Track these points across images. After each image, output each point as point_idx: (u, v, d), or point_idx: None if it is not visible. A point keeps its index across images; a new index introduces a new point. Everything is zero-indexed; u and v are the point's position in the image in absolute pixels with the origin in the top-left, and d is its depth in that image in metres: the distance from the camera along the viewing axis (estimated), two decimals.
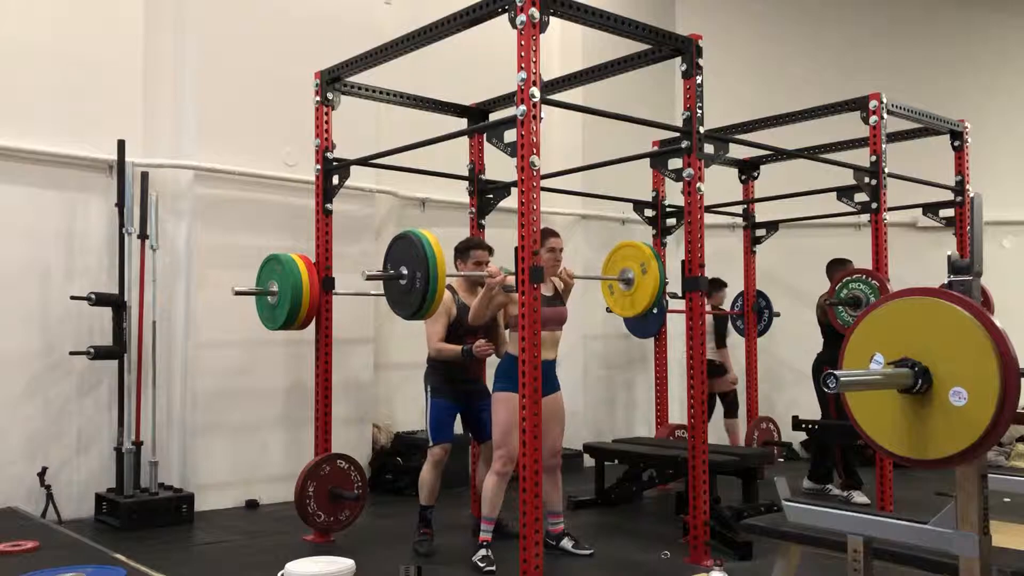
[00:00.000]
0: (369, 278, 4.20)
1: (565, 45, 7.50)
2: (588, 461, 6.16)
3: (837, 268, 5.92)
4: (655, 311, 6.51)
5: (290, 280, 4.73)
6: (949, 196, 6.31)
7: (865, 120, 5.47)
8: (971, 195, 3.98)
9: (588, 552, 4.46)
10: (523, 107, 3.68)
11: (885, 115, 5.42)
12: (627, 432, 7.56)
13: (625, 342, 7.16)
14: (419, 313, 4.07)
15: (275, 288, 4.84)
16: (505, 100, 5.36)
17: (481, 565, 4.12)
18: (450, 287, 4.69)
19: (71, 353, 5.15)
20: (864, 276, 5.57)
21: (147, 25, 5.69)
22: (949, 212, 6.36)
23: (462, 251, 4.74)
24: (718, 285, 7.23)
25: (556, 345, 4.44)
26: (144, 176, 5.42)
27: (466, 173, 5.57)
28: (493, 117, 5.40)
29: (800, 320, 7.61)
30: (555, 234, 4.46)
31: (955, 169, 6.30)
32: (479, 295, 4.31)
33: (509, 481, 4.26)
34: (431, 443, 4.60)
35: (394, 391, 6.70)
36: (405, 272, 4.08)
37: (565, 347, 7.50)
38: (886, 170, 5.45)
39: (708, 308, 7.18)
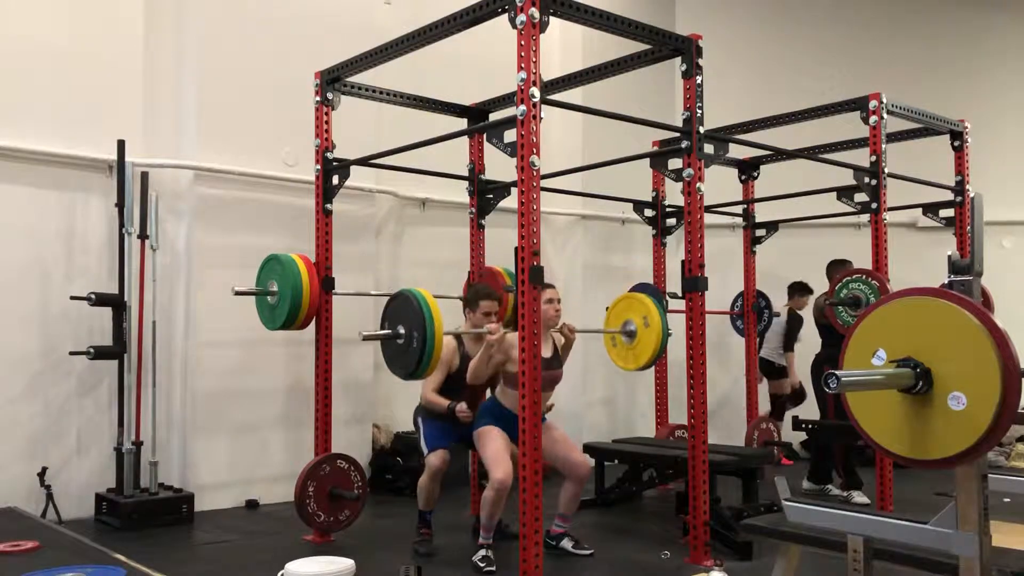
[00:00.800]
0: (366, 338, 4.11)
1: (565, 45, 7.49)
2: (588, 461, 6.14)
3: (837, 269, 5.91)
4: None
5: (290, 280, 4.72)
6: (949, 196, 6.31)
7: (865, 120, 5.47)
8: (971, 195, 3.98)
9: (588, 552, 4.46)
10: (523, 107, 3.68)
11: (885, 115, 5.42)
12: (627, 432, 7.56)
13: None
14: (416, 373, 3.99)
15: (275, 288, 4.84)
16: (505, 100, 5.36)
17: (481, 565, 4.12)
18: (458, 336, 4.68)
19: (71, 353, 5.15)
20: (864, 276, 5.57)
21: (147, 25, 5.69)
22: (949, 212, 6.36)
23: (471, 300, 4.70)
24: (802, 290, 7.10)
25: (546, 401, 4.44)
26: (144, 176, 5.41)
27: (466, 173, 5.57)
28: (493, 117, 5.40)
29: None
30: (551, 286, 4.37)
31: (955, 169, 6.30)
32: (478, 353, 4.26)
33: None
34: (426, 451, 4.55)
35: (394, 391, 6.69)
36: (402, 331, 4.01)
37: None
38: (886, 170, 5.45)
39: (783, 310, 7.19)
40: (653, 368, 6.83)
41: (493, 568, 4.11)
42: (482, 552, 4.18)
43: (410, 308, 3.98)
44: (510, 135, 3.91)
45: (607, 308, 5.25)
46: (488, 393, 4.71)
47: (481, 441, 4.33)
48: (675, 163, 4.53)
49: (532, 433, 3.63)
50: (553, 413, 4.80)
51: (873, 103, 5.41)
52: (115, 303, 5.17)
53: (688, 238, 4.38)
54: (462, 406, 4.43)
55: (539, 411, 3.68)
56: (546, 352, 4.28)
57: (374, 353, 6.44)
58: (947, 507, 2.11)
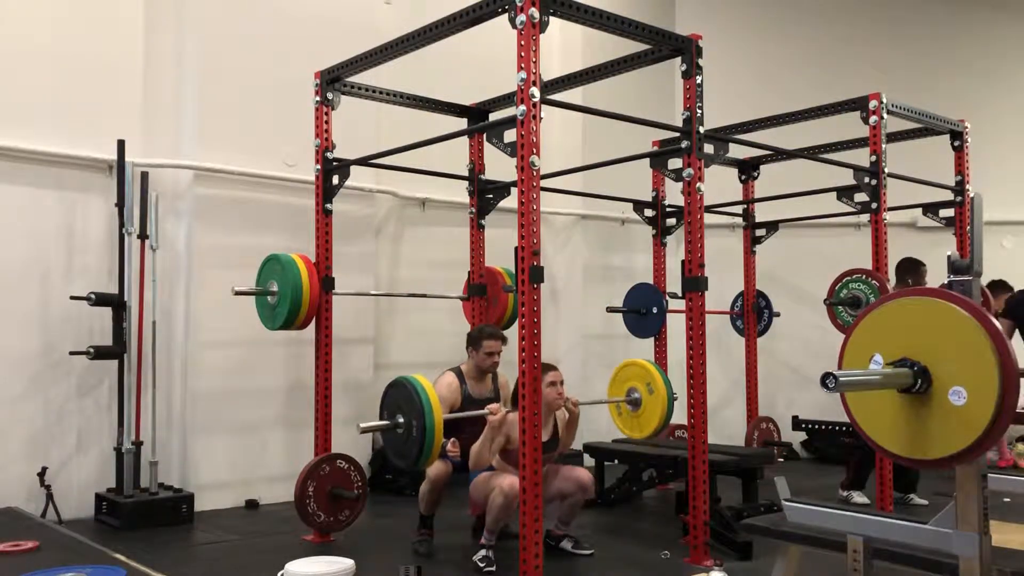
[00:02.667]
0: (364, 431, 3.97)
1: (565, 45, 7.49)
2: (588, 461, 6.15)
3: (909, 271, 5.67)
4: (654, 311, 6.54)
5: (290, 280, 4.73)
6: (949, 196, 6.30)
7: (865, 120, 5.46)
8: (971, 195, 3.98)
9: (588, 552, 4.46)
10: (523, 107, 3.68)
11: (885, 115, 5.42)
12: None
13: (625, 342, 7.15)
14: (419, 462, 3.86)
15: (275, 288, 4.84)
16: (505, 100, 5.36)
17: (481, 565, 4.12)
18: (459, 373, 4.67)
19: (71, 353, 5.15)
20: (864, 276, 5.57)
21: (147, 25, 5.69)
22: (949, 212, 6.36)
23: (474, 339, 4.69)
24: (1002, 288, 6.68)
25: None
26: (144, 176, 5.41)
27: (466, 173, 5.57)
28: (493, 117, 5.41)
29: (800, 320, 7.63)
30: (553, 367, 4.32)
31: (955, 169, 6.29)
32: (480, 438, 4.17)
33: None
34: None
35: None
36: (401, 420, 3.91)
37: (566, 346, 7.58)
38: (886, 170, 5.45)
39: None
40: None
41: (493, 568, 4.11)
42: (482, 552, 4.17)
43: (408, 397, 3.86)
44: (510, 135, 3.91)
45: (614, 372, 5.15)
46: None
47: (476, 485, 4.30)
48: (675, 163, 4.53)
49: (532, 434, 3.63)
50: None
51: (873, 103, 5.41)
52: (115, 303, 5.17)
53: (688, 238, 4.38)
54: (451, 447, 4.24)
55: (539, 412, 3.68)
56: (544, 435, 4.09)
57: (374, 353, 6.45)
58: (947, 507, 2.11)
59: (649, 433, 4.88)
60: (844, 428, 5.59)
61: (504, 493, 4.09)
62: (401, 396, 3.93)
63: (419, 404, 3.80)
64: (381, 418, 4.03)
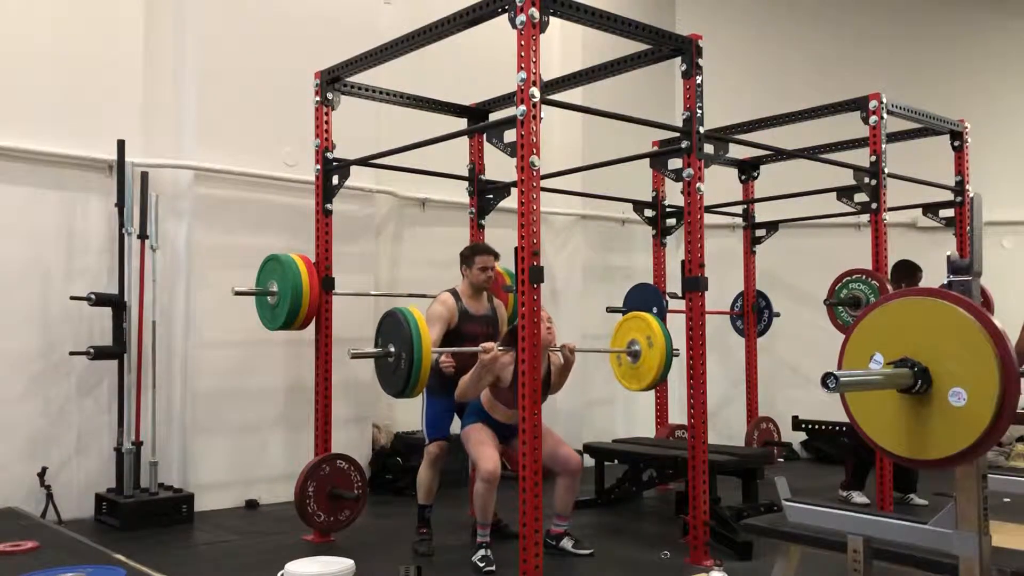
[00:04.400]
0: (354, 356, 4.04)
1: (565, 45, 7.49)
2: (588, 461, 6.13)
3: (904, 275, 5.59)
4: (654, 311, 6.53)
5: (290, 280, 4.72)
6: (949, 196, 6.30)
7: (865, 120, 5.46)
8: (971, 195, 3.98)
9: (588, 552, 4.46)
10: (523, 107, 3.68)
11: (885, 115, 5.42)
12: (627, 432, 7.56)
13: None
14: (404, 392, 3.94)
15: (275, 288, 4.84)
16: (505, 100, 5.36)
17: (481, 565, 4.12)
18: (455, 292, 4.68)
19: (71, 353, 5.15)
20: (864, 276, 5.56)
21: (147, 25, 5.69)
22: (949, 212, 6.36)
23: (467, 257, 4.70)
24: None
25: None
26: (144, 176, 5.41)
27: (466, 173, 5.56)
28: (493, 117, 5.41)
29: (800, 320, 7.62)
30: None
31: (955, 169, 6.29)
32: (470, 372, 4.20)
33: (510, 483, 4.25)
34: (427, 441, 4.62)
35: None
36: (392, 350, 3.97)
37: None
38: (886, 170, 5.45)
39: None
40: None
41: (493, 568, 4.11)
42: (481, 552, 4.17)
43: (399, 328, 3.92)
44: (510, 135, 3.91)
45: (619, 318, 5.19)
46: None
47: (467, 438, 4.38)
48: (675, 163, 4.53)
49: (532, 434, 3.63)
50: (553, 412, 4.80)
51: (873, 103, 5.41)
52: (115, 303, 5.17)
53: (688, 238, 4.38)
54: (444, 358, 4.35)
55: (539, 411, 3.68)
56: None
57: None
58: (947, 507, 2.11)
59: (647, 384, 4.89)
60: (843, 428, 5.59)
61: (483, 479, 4.16)
62: (392, 326, 3.99)
63: (408, 336, 3.85)
64: (376, 345, 4.09)
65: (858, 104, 5.51)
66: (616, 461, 5.94)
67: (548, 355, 4.41)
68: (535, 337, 3.67)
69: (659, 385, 5.18)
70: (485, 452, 4.23)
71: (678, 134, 4.49)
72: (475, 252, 4.68)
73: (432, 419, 4.63)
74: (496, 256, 4.73)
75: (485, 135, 4.42)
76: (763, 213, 7.24)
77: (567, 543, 4.49)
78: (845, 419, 2.24)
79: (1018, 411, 1.99)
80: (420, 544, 4.53)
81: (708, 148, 4.49)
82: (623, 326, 5.06)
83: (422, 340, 3.84)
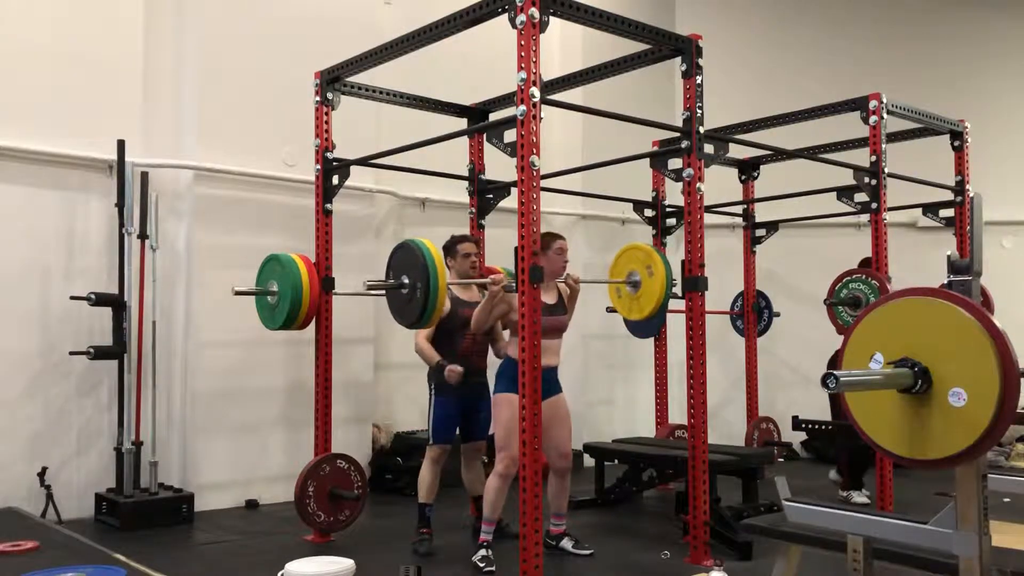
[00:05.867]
0: (370, 287, 4.17)
1: (565, 45, 7.49)
2: (588, 461, 6.15)
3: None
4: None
5: (290, 280, 4.72)
6: (949, 196, 6.30)
7: (865, 120, 5.46)
8: (971, 195, 3.98)
9: (588, 552, 4.46)
10: (523, 107, 3.68)
11: (885, 115, 5.42)
12: (627, 432, 7.56)
13: (625, 342, 7.16)
14: (420, 322, 4.08)
15: (275, 288, 4.84)
16: (505, 100, 5.36)
17: (481, 565, 4.12)
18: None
19: (71, 353, 5.15)
20: (864, 276, 5.56)
21: (147, 25, 5.69)
22: (949, 212, 6.36)
23: (449, 248, 4.75)
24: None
25: (557, 352, 4.42)
26: (144, 176, 5.42)
27: (466, 173, 5.56)
28: (493, 117, 5.40)
29: (800, 320, 7.62)
30: (560, 236, 4.45)
31: (955, 169, 6.29)
32: (481, 302, 4.31)
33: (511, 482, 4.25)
34: (431, 442, 4.62)
35: (394, 391, 6.70)
36: (406, 281, 4.07)
37: (565, 347, 7.55)
38: (886, 170, 5.45)
39: None
40: (653, 368, 6.86)
41: (493, 568, 4.11)
42: (482, 552, 4.17)
43: (414, 258, 4.02)
44: (510, 135, 3.91)
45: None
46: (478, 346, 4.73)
47: (498, 409, 4.28)
48: (675, 163, 4.53)
49: (532, 434, 3.62)
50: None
51: (873, 103, 5.41)
52: (115, 303, 5.17)
53: (688, 238, 4.38)
54: (454, 368, 4.45)
55: (539, 411, 3.67)
56: (550, 299, 4.34)
57: (374, 353, 6.45)
58: (947, 507, 2.11)
59: (647, 314, 4.87)
60: (830, 427, 5.60)
61: (499, 473, 4.16)
62: (408, 258, 4.08)
63: (424, 264, 3.95)
64: (387, 278, 4.18)
65: (858, 104, 5.51)
66: (616, 461, 5.93)
67: (557, 286, 4.49)
68: (535, 337, 3.67)
69: (658, 315, 5.06)
70: (508, 441, 4.14)
71: (678, 134, 4.50)
72: (456, 242, 4.76)
73: (439, 422, 4.62)
74: (477, 244, 4.83)
75: (485, 135, 4.41)
76: (763, 213, 7.24)
77: (567, 543, 4.49)
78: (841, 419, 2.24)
79: (1018, 411, 1.99)
80: (420, 544, 4.53)
81: (708, 148, 4.49)
82: (621, 257, 5.07)
83: (437, 269, 3.94)
